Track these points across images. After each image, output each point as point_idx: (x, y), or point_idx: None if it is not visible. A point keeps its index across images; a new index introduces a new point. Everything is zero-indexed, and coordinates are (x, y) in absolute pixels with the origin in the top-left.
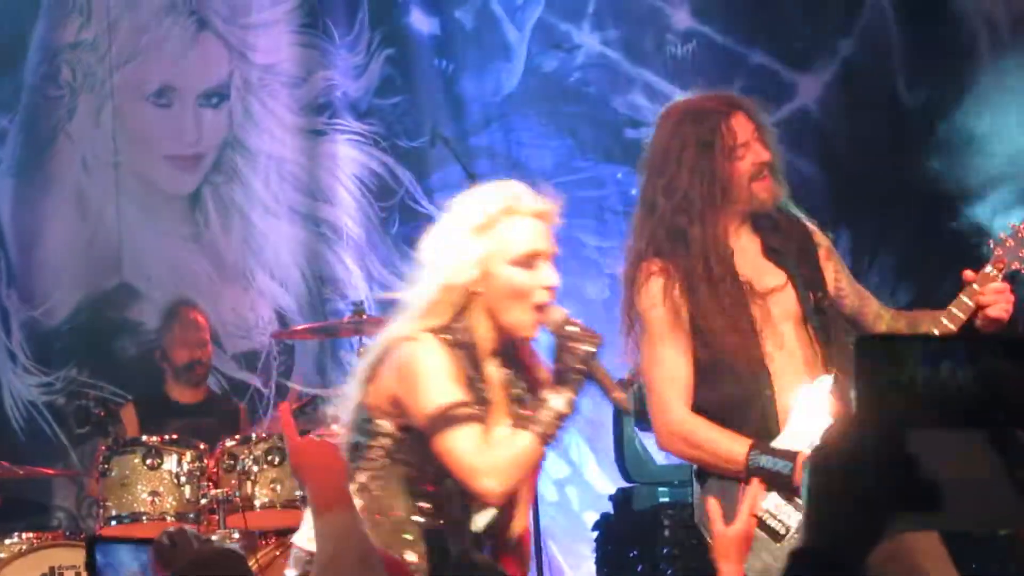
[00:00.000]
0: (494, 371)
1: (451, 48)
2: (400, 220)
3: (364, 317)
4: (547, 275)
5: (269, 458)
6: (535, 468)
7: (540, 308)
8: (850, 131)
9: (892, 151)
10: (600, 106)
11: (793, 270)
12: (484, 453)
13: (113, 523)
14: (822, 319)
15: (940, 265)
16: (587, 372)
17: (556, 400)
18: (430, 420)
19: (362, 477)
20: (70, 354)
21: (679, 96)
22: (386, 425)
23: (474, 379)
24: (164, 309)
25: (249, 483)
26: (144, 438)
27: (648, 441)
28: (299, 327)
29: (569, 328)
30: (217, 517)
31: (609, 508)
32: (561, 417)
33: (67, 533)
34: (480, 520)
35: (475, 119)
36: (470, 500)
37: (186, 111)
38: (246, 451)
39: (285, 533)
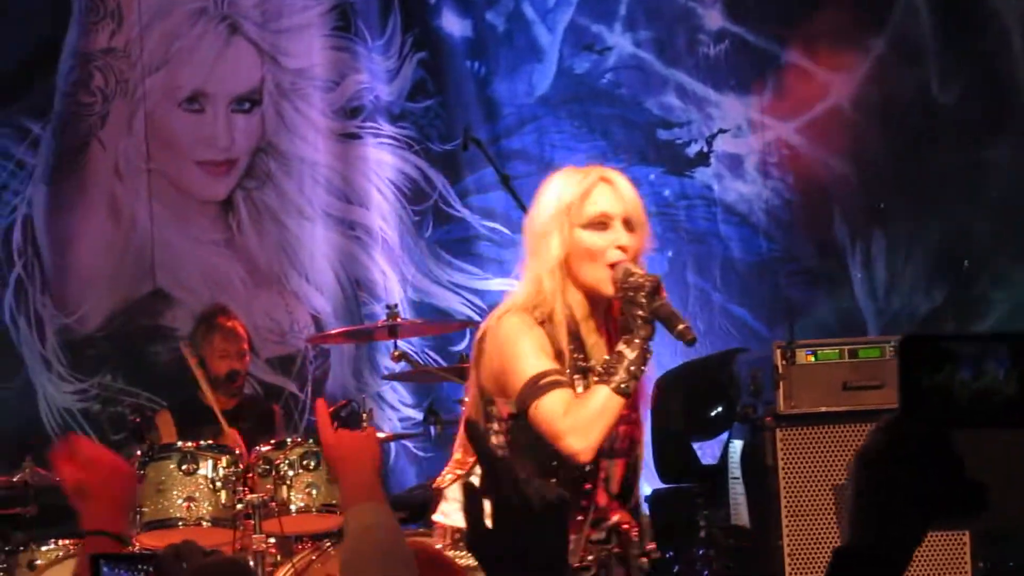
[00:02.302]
0: (592, 338)
1: (483, 50)
2: (434, 223)
3: (399, 320)
4: (616, 235)
5: (304, 462)
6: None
7: (612, 266)
8: (883, 130)
9: (926, 149)
10: (632, 107)
11: None
12: (567, 416)
13: (149, 529)
14: None
15: (974, 264)
16: (652, 316)
17: (627, 351)
18: (520, 393)
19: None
20: (104, 361)
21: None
22: (498, 411)
23: (572, 349)
24: (200, 317)
25: (285, 488)
26: (179, 444)
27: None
28: (334, 331)
29: (630, 279)
30: (253, 522)
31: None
32: (633, 365)
33: None
34: None
35: (508, 121)
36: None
37: (218, 116)
38: (281, 456)
39: (321, 538)
